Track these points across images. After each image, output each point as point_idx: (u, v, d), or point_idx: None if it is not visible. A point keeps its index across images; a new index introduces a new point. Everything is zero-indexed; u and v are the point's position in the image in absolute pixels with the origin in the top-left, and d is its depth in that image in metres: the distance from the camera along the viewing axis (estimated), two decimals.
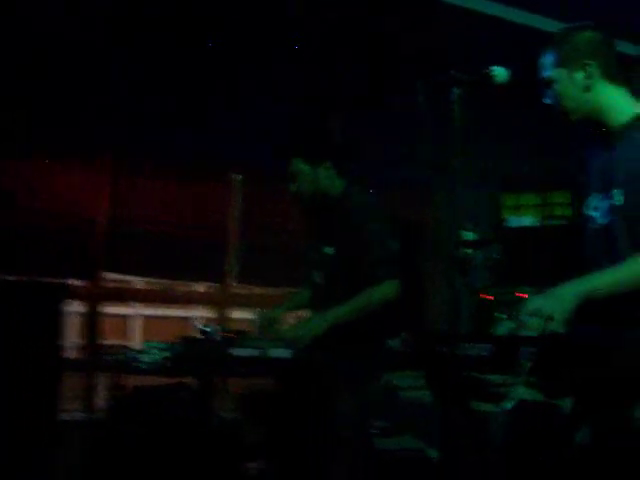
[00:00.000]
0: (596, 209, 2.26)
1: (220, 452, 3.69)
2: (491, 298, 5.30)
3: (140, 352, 2.77)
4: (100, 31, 4.86)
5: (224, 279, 5.64)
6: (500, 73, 2.13)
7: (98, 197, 5.30)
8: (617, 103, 2.19)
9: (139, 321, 9.81)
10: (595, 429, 1.85)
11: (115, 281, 5.81)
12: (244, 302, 6.18)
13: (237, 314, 9.08)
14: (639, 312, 2.03)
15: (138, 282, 6.78)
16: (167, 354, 2.65)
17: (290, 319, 3.33)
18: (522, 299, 5.31)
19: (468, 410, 2.36)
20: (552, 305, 1.90)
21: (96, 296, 5.25)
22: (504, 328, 2.23)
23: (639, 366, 1.77)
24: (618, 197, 2.12)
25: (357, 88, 5.93)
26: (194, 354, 2.57)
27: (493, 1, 5.45)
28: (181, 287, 6.13)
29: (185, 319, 9.26)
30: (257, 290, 6.17)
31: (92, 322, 5.21)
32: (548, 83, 2.23)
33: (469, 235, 6.08)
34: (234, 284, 5.73)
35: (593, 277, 2.02)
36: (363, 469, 2.78)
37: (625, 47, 6.03)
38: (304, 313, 3.24)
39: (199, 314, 8.93)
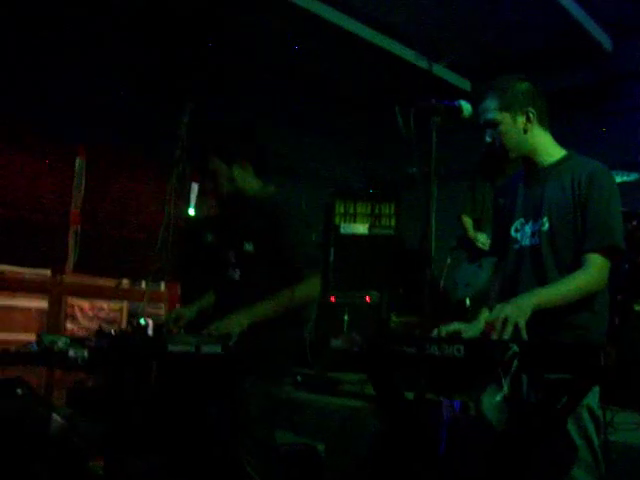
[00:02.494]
0: (517, 231, 2.57)
1: (63, 451, 3.52)
2: (333, 300, 5.58)
3: (50, 346, 2.56)
4: None
5: (60, 266, 5.30)
6: (467, 108, 2.35)
7: None
8: (547, 146, 2.55)
9: None
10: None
11: None
12: (80, 291, 5.86)
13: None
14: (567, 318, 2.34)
15: None
16: (84, 349, 2.48)
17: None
18: (366, 302, 5.67)
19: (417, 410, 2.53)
20: (517, 313, 2.13)
21: None
22: (444, 331, 2.44)
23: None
24: (545, 224, 2.43)
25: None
26: (128, 349, 2.44)
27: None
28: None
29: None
30: (94, 280, 5.86)
31: None
32: (492, 124, 2.48)
33: None
34: (70, 272, 5.40)
35: (545, 290, 2.30)
36: (271, 463, 2.83)
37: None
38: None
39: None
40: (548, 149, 2.53)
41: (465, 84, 6.75)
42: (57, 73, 5.26)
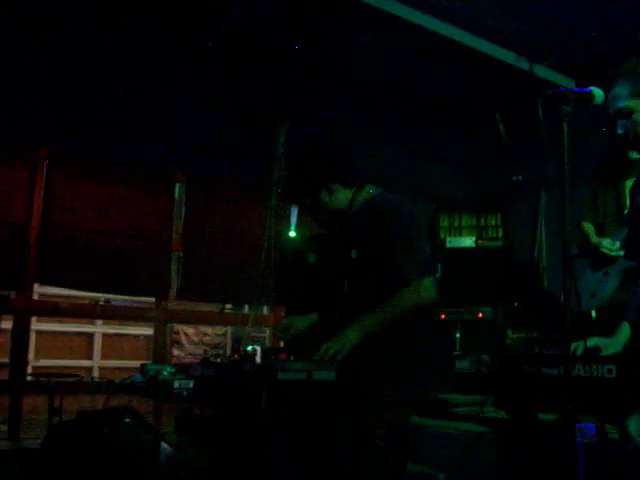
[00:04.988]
0: None
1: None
2: (443, 317, 5.30)
3: (155, 376, 2.46)
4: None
5: (164, 294, 5.28)
6: (599, 94, 2.10)
7: (30, 200, 4.80)
8: None
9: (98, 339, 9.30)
10: None
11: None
12: (185, 318, 5.87)
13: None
14: None
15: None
16: (190, 380, 2.36)
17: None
18: (478, 318, 5.38)
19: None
20: None
21: (26, 310, 4.73)
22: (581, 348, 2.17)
23: None
24: None
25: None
26: (237, 379, 2.30)
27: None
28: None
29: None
30: (197, 306, 5.84)
31: (22, 338, 4.70)
32: (624, 113, 2.21)
33: None
34: (174, 300, 5.38)
35: None
36: None
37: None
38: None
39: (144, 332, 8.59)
40: None
41: (570, 84, 6.38)
42: (153, 99, 5.30)
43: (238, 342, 9.62)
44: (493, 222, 6.60)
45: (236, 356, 2.42)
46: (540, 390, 1.98)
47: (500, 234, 6.51)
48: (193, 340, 9.72)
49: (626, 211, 3.69)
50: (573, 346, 2.16)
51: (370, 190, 2.84)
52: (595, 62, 6.02)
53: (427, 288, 2.61)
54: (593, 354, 2.16)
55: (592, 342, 2.24)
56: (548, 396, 1.99)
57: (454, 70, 6.12)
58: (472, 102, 6.62)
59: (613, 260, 3.66)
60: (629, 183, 3.72)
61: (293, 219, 5.94)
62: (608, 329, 2.43)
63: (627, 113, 2.22)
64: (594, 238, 3.82)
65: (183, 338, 9.62)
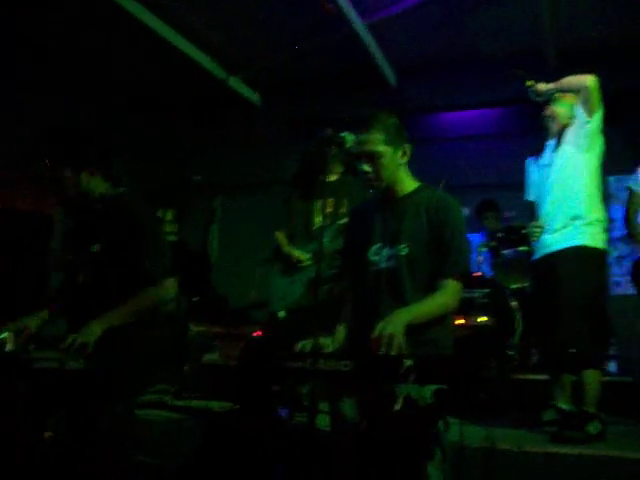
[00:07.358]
0: (376, 255, 2.74)
1: None
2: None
3: None
4: None
5: None
6: (350, 139, 2.50)
7: None
8: (406, 177, 2.75)
9: None
10: None
11: None
12: None
13: None
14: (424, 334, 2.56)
15: None
16: None
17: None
18: None
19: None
20: (398, 330, 2.29)
21: None
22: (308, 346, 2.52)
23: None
24: (404, 249, 2.66)
25: None
26: None
27: None
28: None
29: None
30: None
31: None
32: (375, 156, 2.61)
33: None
34: None
35: (414, 308, 2.48)
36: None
37: None
38: None
39: None
40: (406, 180, 2.73)
41: (255, 97, 6.96)
42: None
43: None
44: (169, 217, 6.84)
45: None
46: (288, 381, 2.30)
47: (175, 229, 6.78)
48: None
49: (314, 227, 4.14)
50: (300, 345, 2.51)
51: (120, 189, 2.92)
52: (279, 84, 6.67)
53: (169, 288, 2.79)
54: (319, 351, 2.53)
55: (320, 342, 2.61)
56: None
57: (156, 63, 6.24)
58: (164, 96, 6.80)
59: (300, 269, 4.10)
60: (317, 202, 4.18)
61: None
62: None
63: (378, 156, 2.61)
64: (286, 247, 4.20)
65: None
